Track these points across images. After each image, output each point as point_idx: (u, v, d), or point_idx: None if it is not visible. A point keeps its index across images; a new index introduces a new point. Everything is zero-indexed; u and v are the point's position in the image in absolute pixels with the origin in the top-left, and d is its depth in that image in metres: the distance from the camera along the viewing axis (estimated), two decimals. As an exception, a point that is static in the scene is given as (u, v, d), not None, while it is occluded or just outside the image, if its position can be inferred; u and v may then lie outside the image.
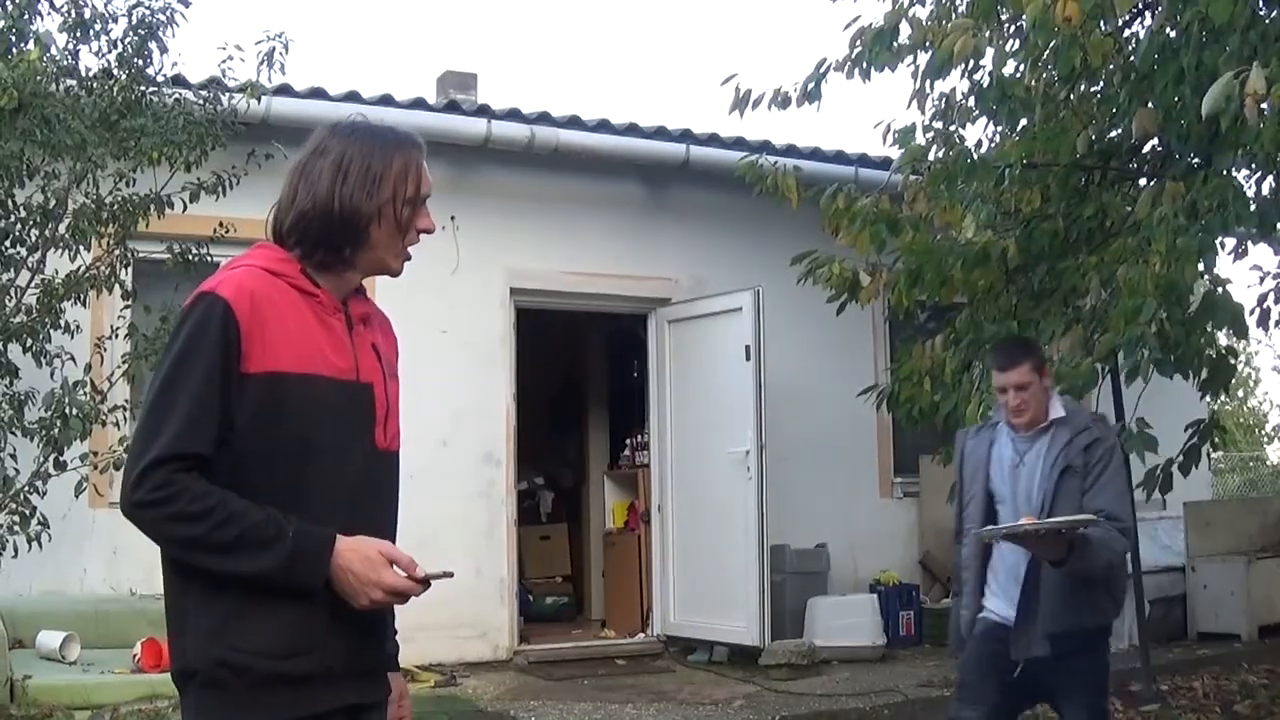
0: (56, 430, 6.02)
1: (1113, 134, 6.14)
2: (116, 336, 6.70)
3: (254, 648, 2.17)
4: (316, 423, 2.24)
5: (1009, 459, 4.28)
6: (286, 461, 2.21)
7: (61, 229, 6.28)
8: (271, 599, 2.16)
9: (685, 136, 9.27)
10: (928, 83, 6.01)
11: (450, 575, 2.26)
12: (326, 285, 2.33)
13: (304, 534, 2.16)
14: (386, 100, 8.41)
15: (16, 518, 5.95)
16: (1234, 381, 5.54)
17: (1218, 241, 5.26)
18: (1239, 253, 6.50)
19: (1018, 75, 5.80)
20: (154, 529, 2.15)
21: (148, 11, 6.47)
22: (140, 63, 6.48)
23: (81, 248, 6.33)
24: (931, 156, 6.16)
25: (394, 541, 2.35)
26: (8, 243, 6.17)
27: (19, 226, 6.19)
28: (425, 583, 2.22)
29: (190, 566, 2.21)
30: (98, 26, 6.45)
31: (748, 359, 8.56)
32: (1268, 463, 24.84)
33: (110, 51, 6.49)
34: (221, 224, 6.68)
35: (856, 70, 6.04)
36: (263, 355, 2.19)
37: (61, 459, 6.07)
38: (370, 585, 2.17)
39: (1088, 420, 4.32)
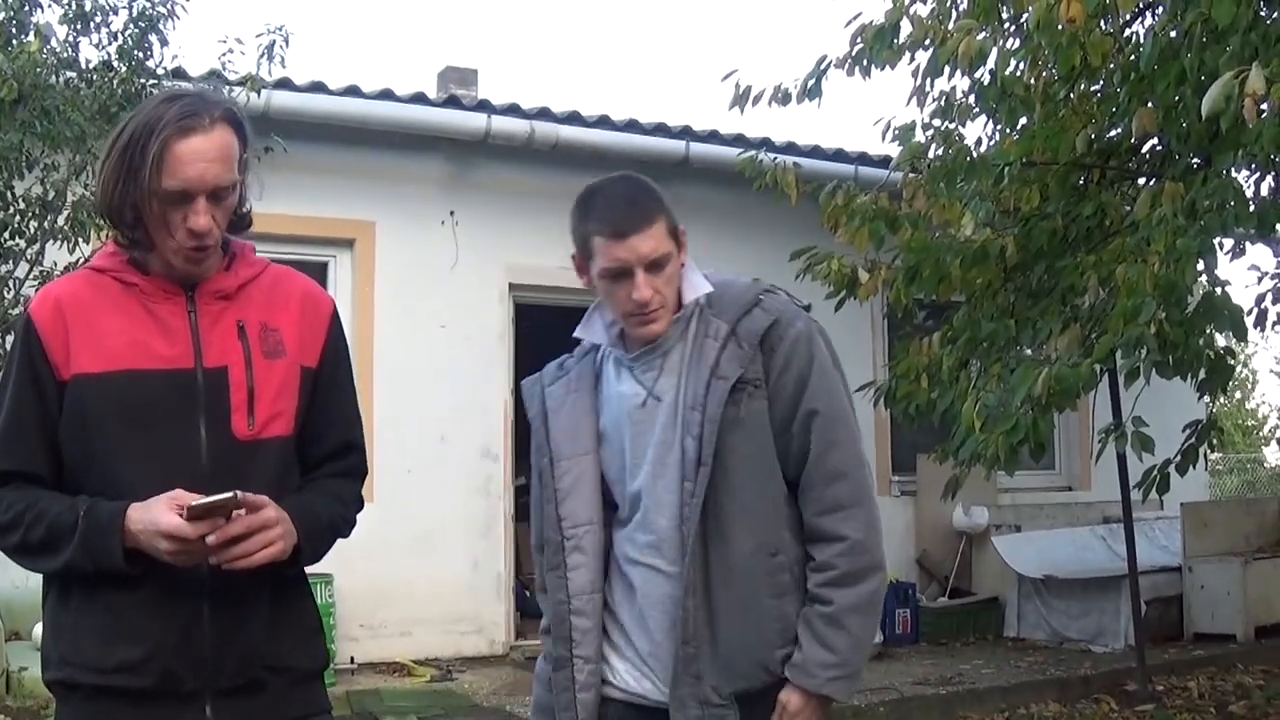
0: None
1: (1112, 133, 6.13)
2: (114, 329, 6.68)
3: (82, 661, 2.09)
4: (129, 421, 2.10)
5: (629, 396, 2.48)
6: (103, 465, 2.10)
7: (60, 221, 6.26)
8: (104, 610, 2.07)
9: (685, 133, 9.28)
10: (928, 80, 6.01)
11: (232, 497, 2.01)
12: (161, 268, 2.16)
13: (93, 510, 2.05)
14: (387, 95, 8.41)
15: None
16: (1232, 383, 5.51)
17: (1216, 242, 5.24)
18: (1237, 253, 6.50)
19: (1018, 74, 5.80)
20: None
21: (148, 4, 6.46)
22: (140, 55, 6.46)
23: (80, 240, 6.31)
24: (931, 154, 6.16)
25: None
26: (6, 235, 6.16)
27: (18, 218, 6.18)
28: (203, 516, 1.99)
29: (48, 582, 2.17)
30: (98, 19, 6.43)
31: (746, 356, 8.52)
32: (1265, 464, 24.85)
33: (110, 44, 6.47)
34: (220, 217, 6.67)
35: (857, 67, 6.03)
36: (68, 361, 2.11)
37: (58, 451, 6.06)
38: (153, 537, 2.00)
39: (752, 291, 2.52)
